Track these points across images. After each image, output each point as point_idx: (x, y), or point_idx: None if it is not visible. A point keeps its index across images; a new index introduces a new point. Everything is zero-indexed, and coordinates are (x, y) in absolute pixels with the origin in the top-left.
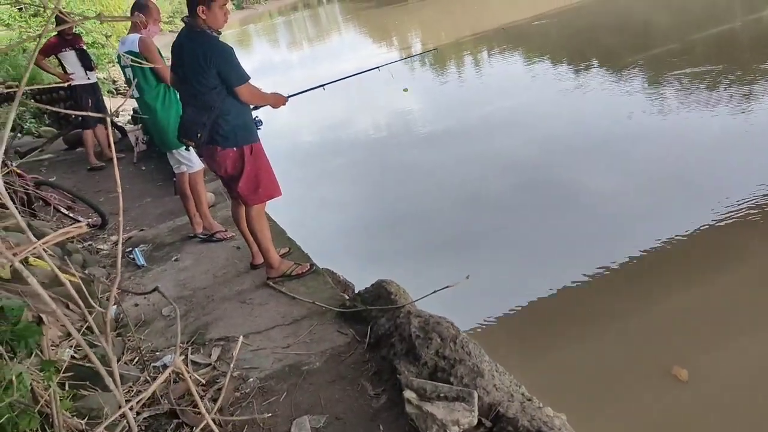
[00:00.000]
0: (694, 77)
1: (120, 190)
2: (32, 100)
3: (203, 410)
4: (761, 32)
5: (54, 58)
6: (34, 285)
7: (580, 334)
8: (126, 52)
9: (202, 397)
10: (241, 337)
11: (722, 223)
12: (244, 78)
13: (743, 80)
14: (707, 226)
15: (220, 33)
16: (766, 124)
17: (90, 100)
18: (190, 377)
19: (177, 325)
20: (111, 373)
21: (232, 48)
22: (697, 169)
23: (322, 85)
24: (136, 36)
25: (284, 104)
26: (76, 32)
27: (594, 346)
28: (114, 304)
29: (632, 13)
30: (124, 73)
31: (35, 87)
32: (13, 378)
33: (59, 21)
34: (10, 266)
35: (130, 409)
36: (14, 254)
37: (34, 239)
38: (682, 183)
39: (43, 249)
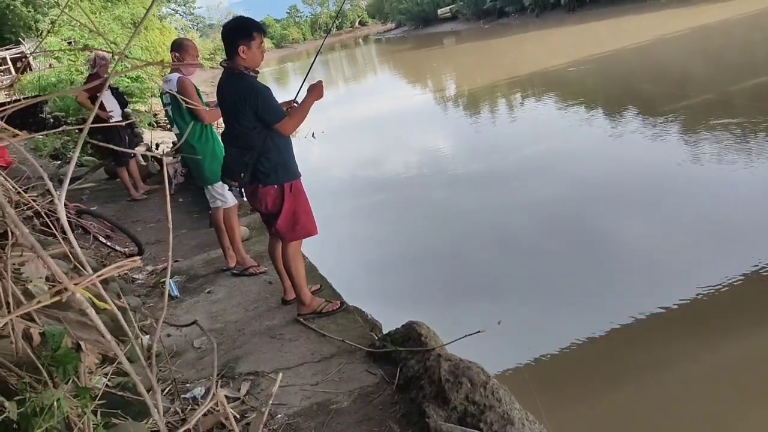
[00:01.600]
0: (731, 128)
1: (170, 223)
2: (79, 134)
3: None
4: None
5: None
6: (95, 319)
7: (610, 386)
8: (166, 92)
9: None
10: (280, 374)
11: (758, 279)
12: (280, 116)
13: None
14: (742, 280)
15: (257, 72)
16: None
17: (125, 138)
18: (223, 411)
19: (214, 357)
20: (155, 403)
21: (268, 88)
22: (731, 223)
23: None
24: (176, 75)
25: (321, 95)
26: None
27: (625, 399)
28: (146, 333)
29: (668, 62)
30: (166, 112)
31: (91, 124)
32: (53, 403)
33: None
34: (62, 299)
35: None
36: (75, 284)
37: (90, 271)
38: (717, 236)
39: (98, 280)
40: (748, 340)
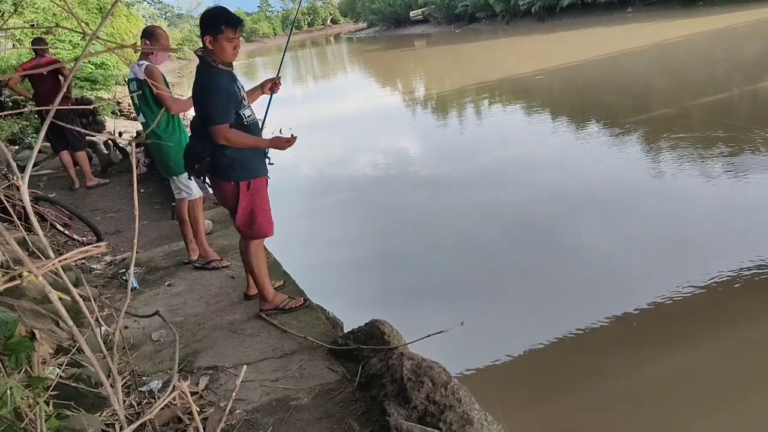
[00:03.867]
0: (693, 142)
1: (137, 211)
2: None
3: None
4: (759, 102)
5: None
6: (57, 304)
7: (570, 390)
8: (133, 79)
9: (187, 426)
10: (244, 367)
11: (711, 287)
12: (218, 119)
13: (740, 148)
14: (697, 289)
15: (229, 66)
16: (763, 196)
17: (76, 123)
18: (182, 405)
19: (176, 348)
20: (115, 393)
21: (221, 86)
22: (692, 232)
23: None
24: (144, 63)
25: (291, 145)
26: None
27: (586, 400)
28: (102, 325)
29: (632, 75)
30: (132, 99)
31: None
32: (7, 392)
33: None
34: (21, 282)
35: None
36: (37, 267)
37: (52, 255)
38: (677, 246)
39: (60, 266)
40: (699, 348)
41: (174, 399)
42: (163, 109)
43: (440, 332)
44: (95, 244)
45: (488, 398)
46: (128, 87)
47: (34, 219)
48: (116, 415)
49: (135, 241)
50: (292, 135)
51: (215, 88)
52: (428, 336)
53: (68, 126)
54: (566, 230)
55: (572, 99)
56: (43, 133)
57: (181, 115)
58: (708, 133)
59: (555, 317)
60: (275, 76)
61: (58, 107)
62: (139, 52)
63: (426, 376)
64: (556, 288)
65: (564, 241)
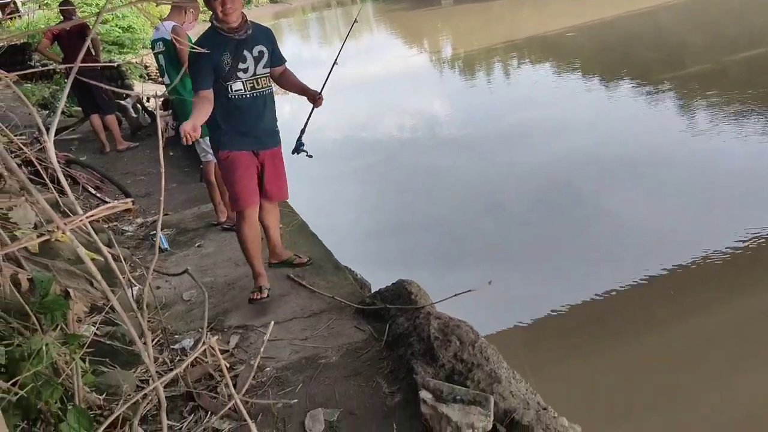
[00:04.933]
0: (729, 100)
1: (162, 171)
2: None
3: (232, 391)
4: None
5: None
6: (86, 260)
7: (597, 348)
8: (158, 39)
9: (218, 383)
10: (272, 323)
11: (746, 252)
12: (193, 86)
13: None
14: (726, 253)
15: (235, 30)
16: None
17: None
18: (214, 360)
19: (205, 307)
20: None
21: (201, 53)
22: (722, 193)
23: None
24: (170, 23)
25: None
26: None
27: (611, 361)
28: (135, 285)
29: (666, 31)
30: (157, 60)
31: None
32: (41, 348)
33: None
34: (51, 239)
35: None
36: (66, 224)
37: (80, 212)
38: (708, 209)
39: (88, 222)
40: (726, 310)
41: (206, 357)
42: (185, 67)
43: (468, 291)
44: (122, 201)
45: (515, 357)
46: (152, 47)
47: (63, 180)
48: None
49: (161, 198)
50: (320, 94)
51: (193, 55)
52: (456, 295)
53: (93, 83)
54: (594, 191)
55: (603, 56)
56: (67, 90)
57: None
58: (746, 91)
59: (582, 278)
60: (318, 91)
61: (82, 65)
62: (169, 13)
63: (453, 334)
64: (583, 249)
65: (592, 202)
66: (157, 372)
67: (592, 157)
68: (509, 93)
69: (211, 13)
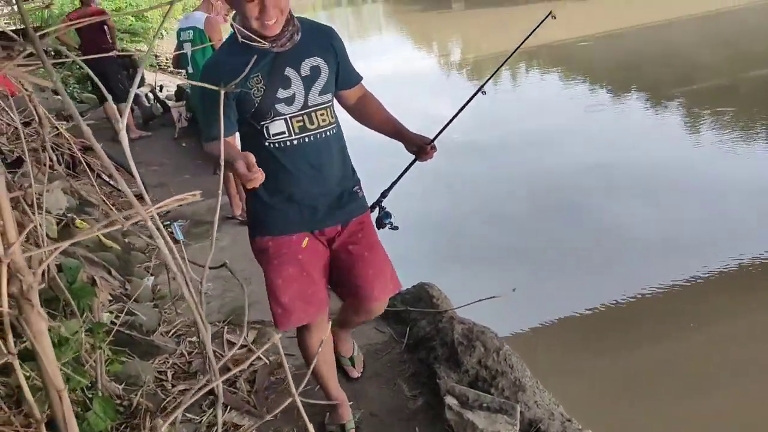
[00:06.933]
0: (739, 117)
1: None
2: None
3: (293, 390)
4: None
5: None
6: (162, 246)
7: (623, 359)
8: (189, 28)
9: (236, 378)
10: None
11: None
12: (202, 135)
13: None
14: (738, 266)
15: (271, 42)
16: None
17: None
18: (234, 356)
19: (245, 299)
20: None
21: (209, 81)
22: (735, 210)
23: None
24: (203, 15)
25: (238, 175)
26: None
27: (635, 372)
28: (152, 275)
29: (678, 45)
30: (181, 48)
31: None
32: (75, 335)
33: None
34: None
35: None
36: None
37: (149, 202)
38: (719, 222)
39: (149, 214)
40: (743, 320)
41: (224, 352)
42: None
43: (492, 297)
44: (190, 193)
45: (538, 366)
46: (178, 36)
47: (113, 171)
48: (168, 362)
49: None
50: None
51: (202, 87)
52: (479, 300)
53: (107, 65)
54: (619, 199)
55: (615, 70)
56: (93, 78)
57: None
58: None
59: (604, 287)
60: (430, 138)
61: (102, 56)
62: (200, 5)
63: (478, 340)
64: (602, 258)
65: (611, 212)
66: (174, 365)
67: (609, 167)
68: (521, 100)
69: (237, 14)
